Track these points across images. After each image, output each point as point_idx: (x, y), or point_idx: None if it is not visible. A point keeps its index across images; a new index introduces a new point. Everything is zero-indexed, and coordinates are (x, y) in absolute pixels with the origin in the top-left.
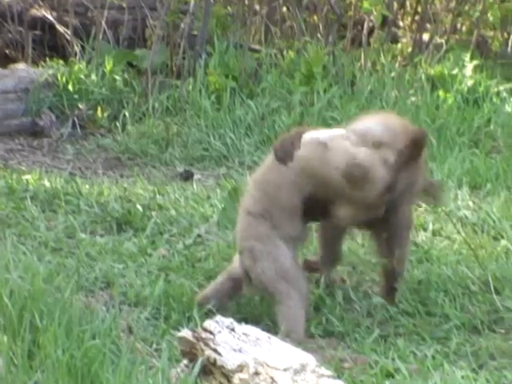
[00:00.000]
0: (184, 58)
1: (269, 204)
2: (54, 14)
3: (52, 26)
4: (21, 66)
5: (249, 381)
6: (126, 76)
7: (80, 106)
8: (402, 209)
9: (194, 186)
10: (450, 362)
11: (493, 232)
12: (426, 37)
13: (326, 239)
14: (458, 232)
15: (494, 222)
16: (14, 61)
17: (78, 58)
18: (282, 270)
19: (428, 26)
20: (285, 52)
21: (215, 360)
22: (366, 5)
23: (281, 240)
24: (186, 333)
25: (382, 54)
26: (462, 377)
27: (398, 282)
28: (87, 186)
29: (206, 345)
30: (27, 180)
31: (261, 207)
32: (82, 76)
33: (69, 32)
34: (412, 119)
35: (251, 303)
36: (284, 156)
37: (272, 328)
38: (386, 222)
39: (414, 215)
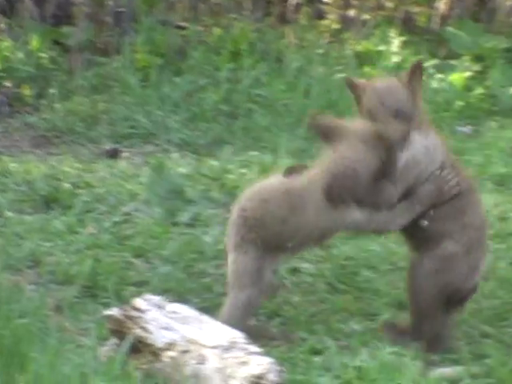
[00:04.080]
0: (110, 36)
1: None
2: None
3: None
4: None
5: (178, 359)
6: (52, 53)
7: (6, 83)
8: None
9: (122, 164)
10: (379, 338)
11: None
12: (352, 13)
13: None
14: None
15: None
16: None
17: (4, 35)
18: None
19: (354, 2)
20: (211, 29)
21: (144, 338)
22: None
23: None
24: (114, 311)
25: (308, 31)
26: (390, 353)
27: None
28: (14, 164)
29: (135, 323)
30: None
31: None
32: (8, 54)
33: None
34: (339, 96)
35: (180, 280)
36: None
37: (201, 305)
38: None
39: None
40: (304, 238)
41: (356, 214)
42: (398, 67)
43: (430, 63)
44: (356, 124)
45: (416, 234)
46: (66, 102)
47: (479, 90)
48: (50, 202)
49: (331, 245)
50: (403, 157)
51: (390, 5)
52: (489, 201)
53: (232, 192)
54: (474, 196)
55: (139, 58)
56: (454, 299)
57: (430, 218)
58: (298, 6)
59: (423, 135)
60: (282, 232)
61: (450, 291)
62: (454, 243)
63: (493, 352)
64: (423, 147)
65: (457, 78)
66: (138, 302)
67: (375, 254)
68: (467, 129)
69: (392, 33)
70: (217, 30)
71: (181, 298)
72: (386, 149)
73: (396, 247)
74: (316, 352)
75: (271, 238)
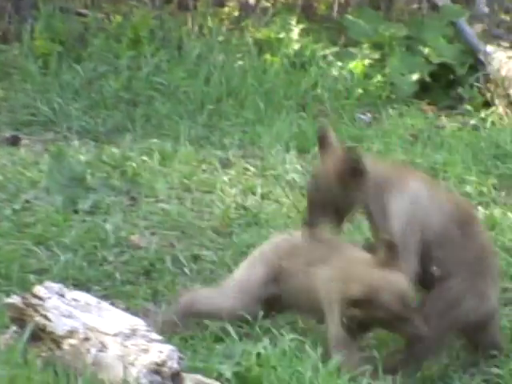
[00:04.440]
0: (10, 23)
1: None
2: None
3: None
4: None
5: (79, 346)
6: None
7: None
8: None
9: (22, 151)
10: (279, 326)
11: None
12: (252, 0)
13: None
14: (287, 195)
15: None
16: None
17: None
18: None
19: None
20: (111, 16)
21: (45, 326)
22: None
23: None
24: (14, 299)
25: (208, 18)
26: (291, 340)
27: None
28: None
29: (36, 311)
30: None
31: None
32: None
33: None
34: (239, 83)
35: (81, 268)
36: None
37: (102, 293)
38: None
39: None
40: None
41: None
42: (298, 54)
43: (329, 51)
44: None
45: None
46: None
47: (378, 78)
48: None
49: (231, 232)
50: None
51: None
52: None
53: (133, 180)
54: (470, 228)
55: (39, 45)
56: (466, 330)
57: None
58: None
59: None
60: None
61: (461, 324)
62: (458, 282)
63: None
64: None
65: (356, 65)
66: (39, 289)
67: None
68: (367, 116)
69: (292, 20)
70: (117, 18)
71: (81, 286)
72: None
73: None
74: (217, 339)
75: None
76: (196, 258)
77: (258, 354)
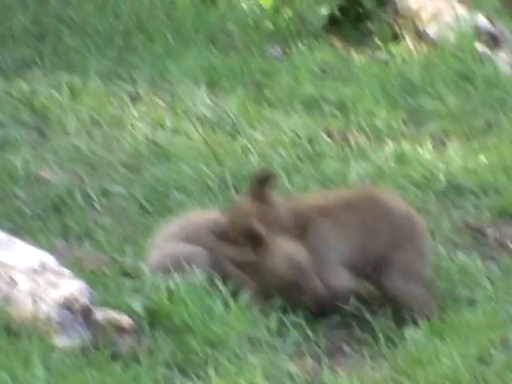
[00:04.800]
0: None
1: None
2: None
3: None
4: None
5: None
6: None
7: None
8: None
9: None
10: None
11: (230, 129)
12: None
13: None
14: (197, 130)
15: (231, 119)
16: None
17: None
18: None
19: None
20: None
21: None
22: None
23: None
24: None
25: None
26: (202, 277)
27: None
28: None
29: None
30: None
31: None
32: None
33: None
34: (149, 17)
35: None
36: None
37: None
38: None
39: None
40: None
41: None
42: None
43: None
44: None
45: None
46: None
47: (288, 12)
48: None
49: (142, 167)
50: None
51: None
52: (298, 123)
53: (42, 114)
54: None
55: None
56: None
57: None
58: None
59: None
60: None
61: None
62: None
63: None
64: None
65: None
66: None
67: (186, 176)
68: (276, 51)
69: None
70: None
71: None
72: None
73: (207, 169)
74: (128, 274)
75: None
76: (106, 193)
77: (169, 289)
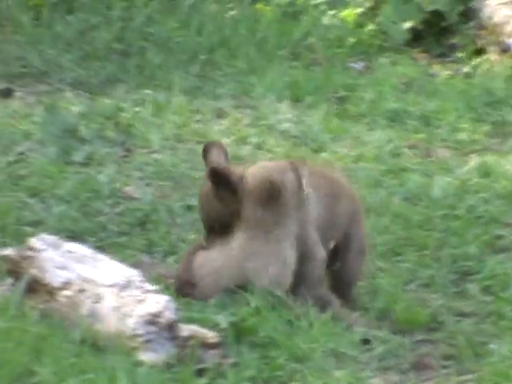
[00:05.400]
0: None
1: None
2: None
3: None
4: None
5: (74, 298)
6: None
7: None
8: None
9: (15, 103)
10: None
11: (314, 145)
12: None
13: None
14: (280, 145)
15: (314, 134)
16: None
17: None
18: None
19: None
20: None
21: (40, 278)
22: None
23: None
24: (9, 251)
25: None
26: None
27: None
28: None
29: (31, 263)
30: None
31: None
32: None
33: None
34: (232, 33)
35: (75, 219)
36: None
37: (96, 244)
38: None
39: None
40: None
41: None
42: (291, 3)
43: (322, 0)
44: None
45: None
46: None
47: (370, 27)
48: None
49: None
50: None
51: None
52: (382, 137)
53: (126, 131)
54: None
55: None
56: None
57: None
58: None
59: None
60: None
61: None
62: None
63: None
64: None
65: (348, 14)
66: (34, 241)
67: None
68: (359, 65)
69: None
70: None
71: (76, 238)
72: None
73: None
74: None
75: None
76: (190, 209)
77: (253, 304)
